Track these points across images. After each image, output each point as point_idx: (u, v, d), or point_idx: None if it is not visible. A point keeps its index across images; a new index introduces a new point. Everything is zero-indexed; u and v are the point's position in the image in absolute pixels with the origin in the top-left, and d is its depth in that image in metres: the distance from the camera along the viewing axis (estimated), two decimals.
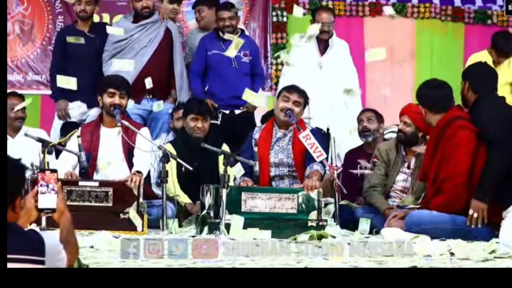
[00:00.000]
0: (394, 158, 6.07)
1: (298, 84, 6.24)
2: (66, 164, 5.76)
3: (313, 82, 6.78)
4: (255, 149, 5.75)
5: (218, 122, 6.68)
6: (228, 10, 7.10)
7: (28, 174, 5.17)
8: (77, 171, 5.80)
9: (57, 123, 6.93)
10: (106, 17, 8.46)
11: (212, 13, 7.35)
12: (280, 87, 6.65)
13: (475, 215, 5.18)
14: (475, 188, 5.23)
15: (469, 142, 5.26)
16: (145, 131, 5.99)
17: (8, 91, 6.73)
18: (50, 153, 5.61)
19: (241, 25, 7.58)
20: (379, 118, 6.75)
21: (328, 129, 6.71)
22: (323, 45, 7.19)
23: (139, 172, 5.66)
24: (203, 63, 7.12)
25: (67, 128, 6.54)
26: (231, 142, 6.30)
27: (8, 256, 2.74)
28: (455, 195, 5.29)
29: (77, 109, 6.90)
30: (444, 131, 5.35)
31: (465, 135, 5.28)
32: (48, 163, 5.52)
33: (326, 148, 5.92)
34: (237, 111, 7.08)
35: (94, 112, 6.92)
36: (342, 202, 6.05)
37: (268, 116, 6.98)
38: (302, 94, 6.06)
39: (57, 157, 5.96)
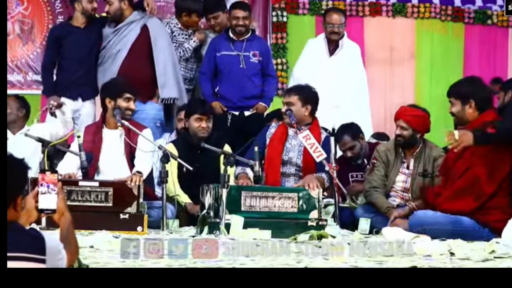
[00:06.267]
0: (393, 159, 6.08)
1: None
2: (70, 166, 5.76)
3: (320, 82, 6.80)
4: (255, 148, 5.74)
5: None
6: (243, 10, 7.13)
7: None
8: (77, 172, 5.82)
9: (50, 119, 6.92)
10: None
11: (226, 16, 7.36)
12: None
13: (457, 136, 5.18)
14: (486, 195, 5.27)
15: (496, 149, 5.30)
16: (147, 132, 5.99)
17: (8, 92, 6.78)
18: (50, 153, 5.61)
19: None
20: (357, 136, 6.69)
21: (333, 129, 6.72)
22: (333, 46, 7.22)
23: (139, 172, 5.66)
24: (212, 65, 7.11)
25: None
26: (240, 143, 6.28)
27: (9, 254, 2.74)
28: (463, 195, 5.32)
29: (69, 105, 6.89)
30: None
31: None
32: (49, 163, 5.52)
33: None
34: (246, 113, 7.08)
35: (87, 110, 6.91)
36: (344, 204, 6.07)
37: (272, 116, 7.02)
38: (294, 92, 6.05)
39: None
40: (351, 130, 6.69)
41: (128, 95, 5.93)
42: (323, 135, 6.01)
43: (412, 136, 6.01)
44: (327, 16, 7.25)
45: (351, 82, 7.23)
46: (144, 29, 6.92)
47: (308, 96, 6.08)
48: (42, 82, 7.13)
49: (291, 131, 6.06)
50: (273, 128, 6.14)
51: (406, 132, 6.00)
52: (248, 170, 5.84)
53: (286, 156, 6.03)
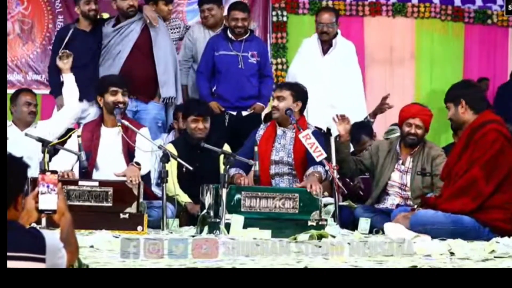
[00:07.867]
0: (384, 156, 6.11)
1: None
2: (65, 163, 5.77)
3: (314, 81, 6.79)
4: (255, 148, 5.74)
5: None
6: (243, 12, 7.12)
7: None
8: (76, 171, 5.81)
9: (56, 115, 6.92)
10: (106, 17, 8.47)
11: (221, 12, 7.34)
12: None
13: None
14: (485, 195, 5.27)
15: (493, 147, 5.30)
16: (145, 131, 5.99)
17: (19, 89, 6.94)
18: (50, 152, 5.62)
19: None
20: (372, 134, 6.86)
21: (328, 129, 6.71)
22: (326, 45, 7.20)
23: (137, 163, 5.65)
24: (210, 64, 7.10)
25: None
26: (238, 143, 6.28)
27: (9, 254, 2.74)
28: (461, 195, 5.32)
29: (77, 106, 6.90)
30: (476, 132, 5.36)
31: (493, 137, 5.31)
32: (49, 163, 5.52)
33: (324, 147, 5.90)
34: (244, 113, 7.07)
35: (95, 110, 6.91)
36: (344, 203, 6.06)
37: (269, 116, 7.01)
38: (287, 87, 6.05)
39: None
40: (367, 129, 6.78)
41: (113, 88, 5.93)
42: (310, 130, 5.95)
43: (423, 136, 6.07)
44: (318, 15, 7.21)
45: (346, 80, 7.21)
46: (145, 29, 6.91)
47: (300, 93, 6.07)
48: (50, 84, 7.14)
49: (279, 131, 6.04)
50: (261, 130, 6.12)
51: (421, 131, 6.06)
52: (242, 171, 5.83)
53: (276, 156, 6.01)
